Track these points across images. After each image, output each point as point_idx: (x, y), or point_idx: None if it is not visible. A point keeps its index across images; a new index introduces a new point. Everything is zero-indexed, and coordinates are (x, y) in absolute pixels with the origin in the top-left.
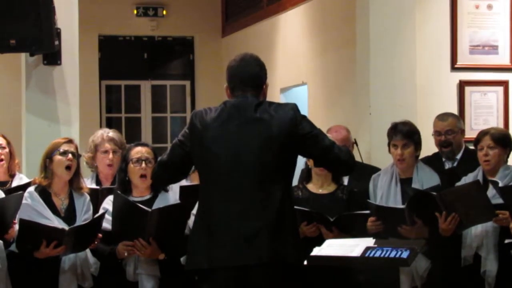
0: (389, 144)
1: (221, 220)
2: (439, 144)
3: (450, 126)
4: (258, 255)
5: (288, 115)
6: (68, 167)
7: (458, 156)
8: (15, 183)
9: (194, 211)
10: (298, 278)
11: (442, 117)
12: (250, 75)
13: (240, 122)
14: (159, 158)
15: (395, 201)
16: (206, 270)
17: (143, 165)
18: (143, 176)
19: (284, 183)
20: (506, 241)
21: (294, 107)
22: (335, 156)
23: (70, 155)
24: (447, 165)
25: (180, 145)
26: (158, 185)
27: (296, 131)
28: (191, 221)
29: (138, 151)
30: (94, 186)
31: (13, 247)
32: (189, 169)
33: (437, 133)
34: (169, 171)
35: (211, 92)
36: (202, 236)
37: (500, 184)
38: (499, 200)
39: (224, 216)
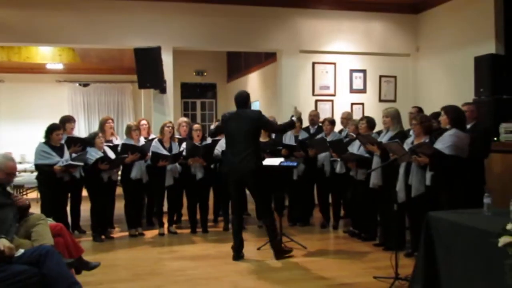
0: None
1: (232, 153)
2: (311, 121)
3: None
4: (248, 166)
5: (256, 113)
6: (170, 132)
7: (316, 126)
8: (150, 138)
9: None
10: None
11: (315, 112)
12: (241, 99)
13: (239, 117)
14: (211, 127)
15: (291, 142)
16: (225, 173)
17: (198, 132)
18: (198, 136)
19: (256, 142)
20: (331, 159)
21: (259, 111)
22: (275, 129)
23: (170, 128)
24: (312, 130)
25: (220, 126)
26: (211, 137)
27: (260, 120)
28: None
29: (196, 128)
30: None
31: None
32: (219, 134)
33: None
34: (214, 133)
35: (223, 106)
36: (226, 159)
37: (328, 139)
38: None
39: (233, 152)
